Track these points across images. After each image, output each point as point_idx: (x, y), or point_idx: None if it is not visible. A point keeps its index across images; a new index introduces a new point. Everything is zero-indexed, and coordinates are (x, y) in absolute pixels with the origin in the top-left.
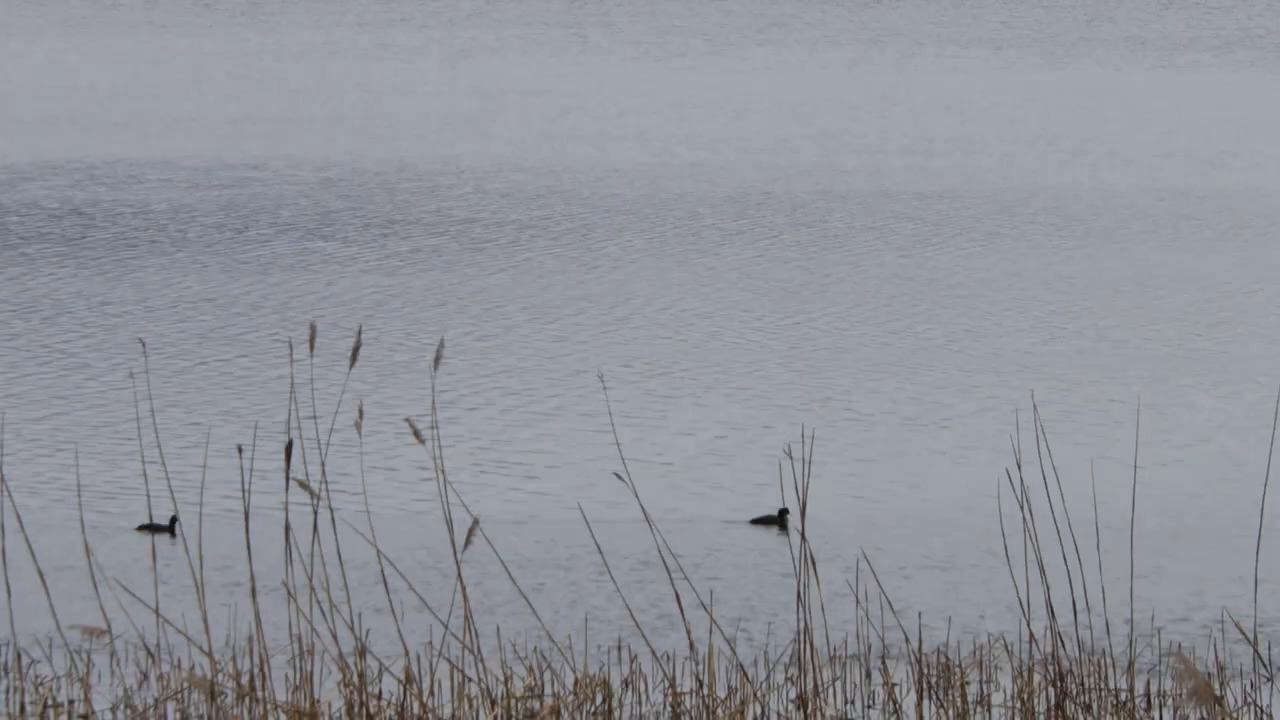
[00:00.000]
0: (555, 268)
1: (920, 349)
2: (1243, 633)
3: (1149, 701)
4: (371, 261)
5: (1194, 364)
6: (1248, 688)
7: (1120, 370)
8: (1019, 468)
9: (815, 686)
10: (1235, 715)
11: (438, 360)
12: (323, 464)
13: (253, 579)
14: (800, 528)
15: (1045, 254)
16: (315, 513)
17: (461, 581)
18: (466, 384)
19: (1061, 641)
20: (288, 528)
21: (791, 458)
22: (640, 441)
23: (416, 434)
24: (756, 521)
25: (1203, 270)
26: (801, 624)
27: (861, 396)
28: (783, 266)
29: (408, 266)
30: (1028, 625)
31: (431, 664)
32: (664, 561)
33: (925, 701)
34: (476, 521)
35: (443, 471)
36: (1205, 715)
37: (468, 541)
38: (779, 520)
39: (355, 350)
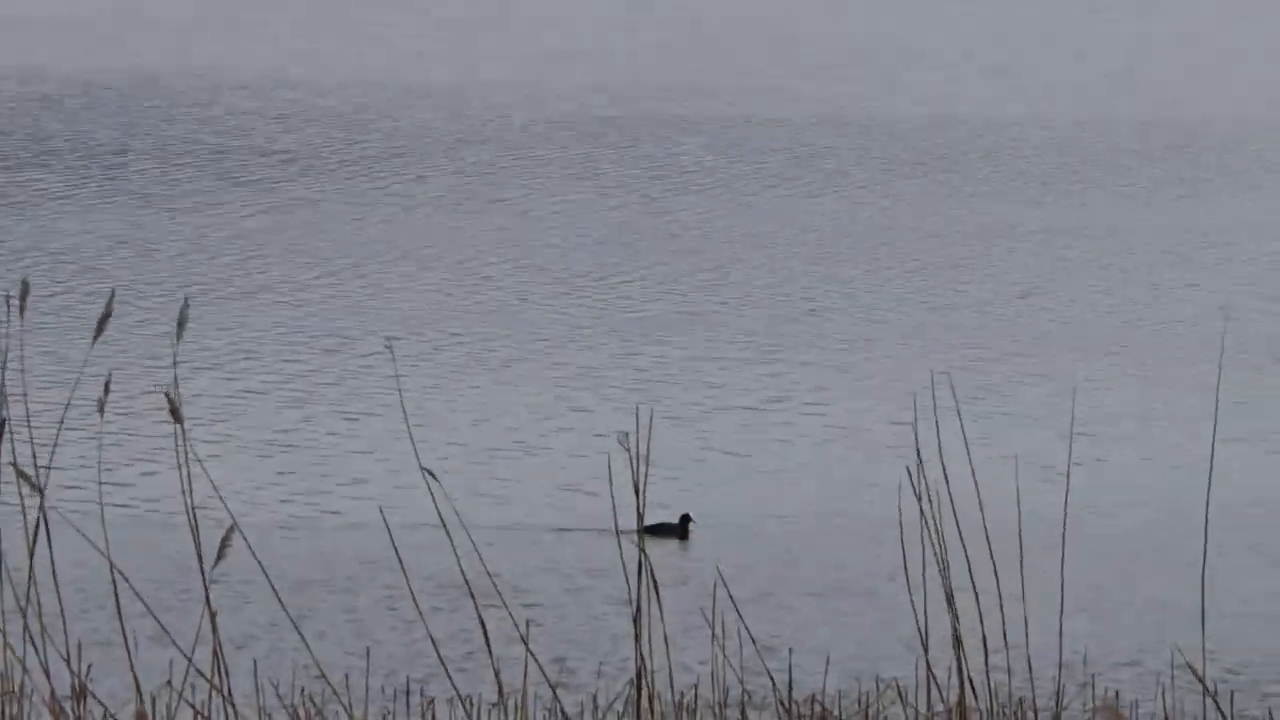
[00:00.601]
0: (330, 209)
1: (788, 317)
2: (1199, 678)
3: None
4: (96, 199)
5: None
6: None
7: (1045, 340)
8: (920, 464)
9: None
10: None
11: (182, 326)
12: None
13: None
14: (637, 540)
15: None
16: (33, 512)
17: (209, 604)
18: (220, 353)
19: (971, 687)
20: None
21: (626, 449)
22: (438, 428)
23: (174, 411)
24: (651, 530)
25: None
26: (639, 663)
27: (720, 373)
28: (624, 209)
29: (141, 204)
30: (927, 666)
31: (170, 709)
32: (467, 583)
33: None
34: (233, 527)
35: (188, 461)
36: None
37: (221, 553)
38: (679, 529)
39: (104, 320)
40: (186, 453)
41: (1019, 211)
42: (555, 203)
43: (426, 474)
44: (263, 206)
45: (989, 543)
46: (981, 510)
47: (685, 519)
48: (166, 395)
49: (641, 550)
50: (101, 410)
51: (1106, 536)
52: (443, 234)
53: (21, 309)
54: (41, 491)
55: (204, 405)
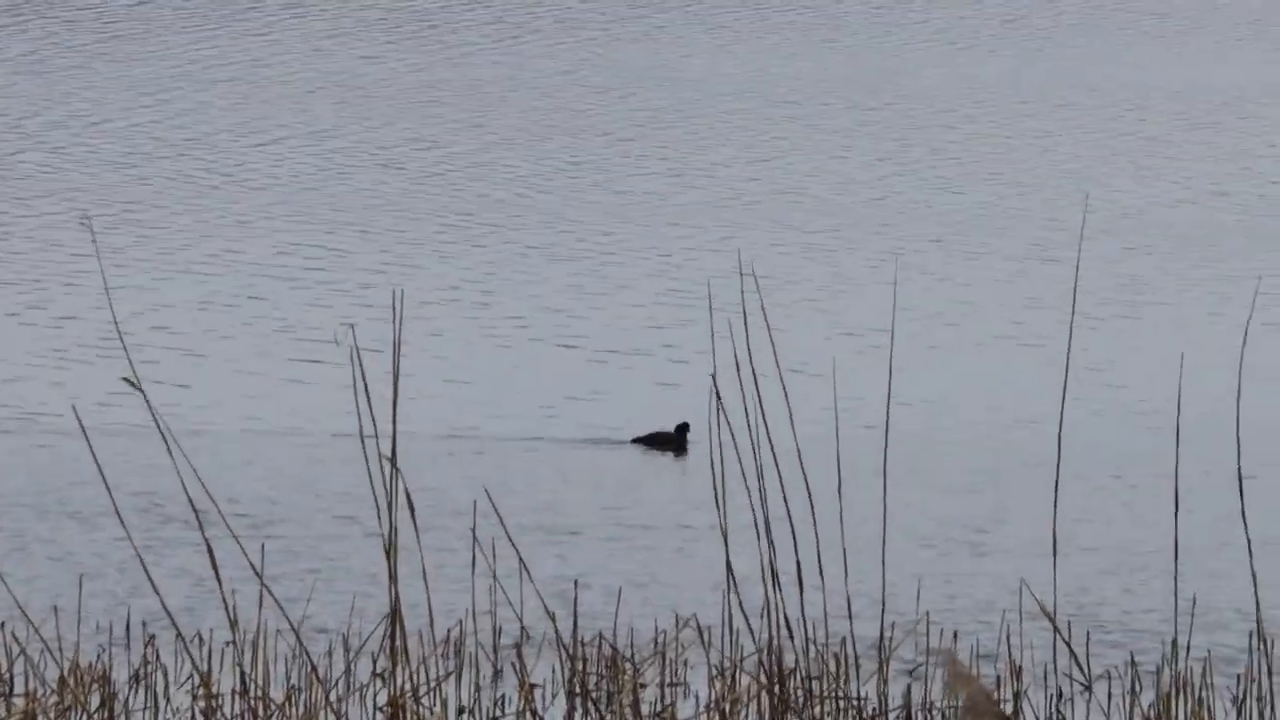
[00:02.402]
0: None
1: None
2: (1049, 616)
3: (909, 716)
4: None
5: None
6: (1053, 699)
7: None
8: (714, 372)
9: (414, 687)
10: None
11: None
12: None
13: None
14: (390, 455)
15: None
16: None
17: None
18: None
19: (788, 627)
20: None
21: (343, 345)
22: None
23: None
24: (643, 441)
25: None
26: (393, 598)
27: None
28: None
29: None
30: (737, 603)
31: None
32: (187, 493)
33: (579, 711)
34: None
35: None
36: None
37: None
38: (675, 440)
39: None
40: None
41: None
42: None
43: (130, 382)
44: None
45: (802, 464)
46: (795, 433)
47: (683, 429)
48: None
49: (395, 468)
50: None
51: (939, 461)
52: None
53: None
54: None
55: None
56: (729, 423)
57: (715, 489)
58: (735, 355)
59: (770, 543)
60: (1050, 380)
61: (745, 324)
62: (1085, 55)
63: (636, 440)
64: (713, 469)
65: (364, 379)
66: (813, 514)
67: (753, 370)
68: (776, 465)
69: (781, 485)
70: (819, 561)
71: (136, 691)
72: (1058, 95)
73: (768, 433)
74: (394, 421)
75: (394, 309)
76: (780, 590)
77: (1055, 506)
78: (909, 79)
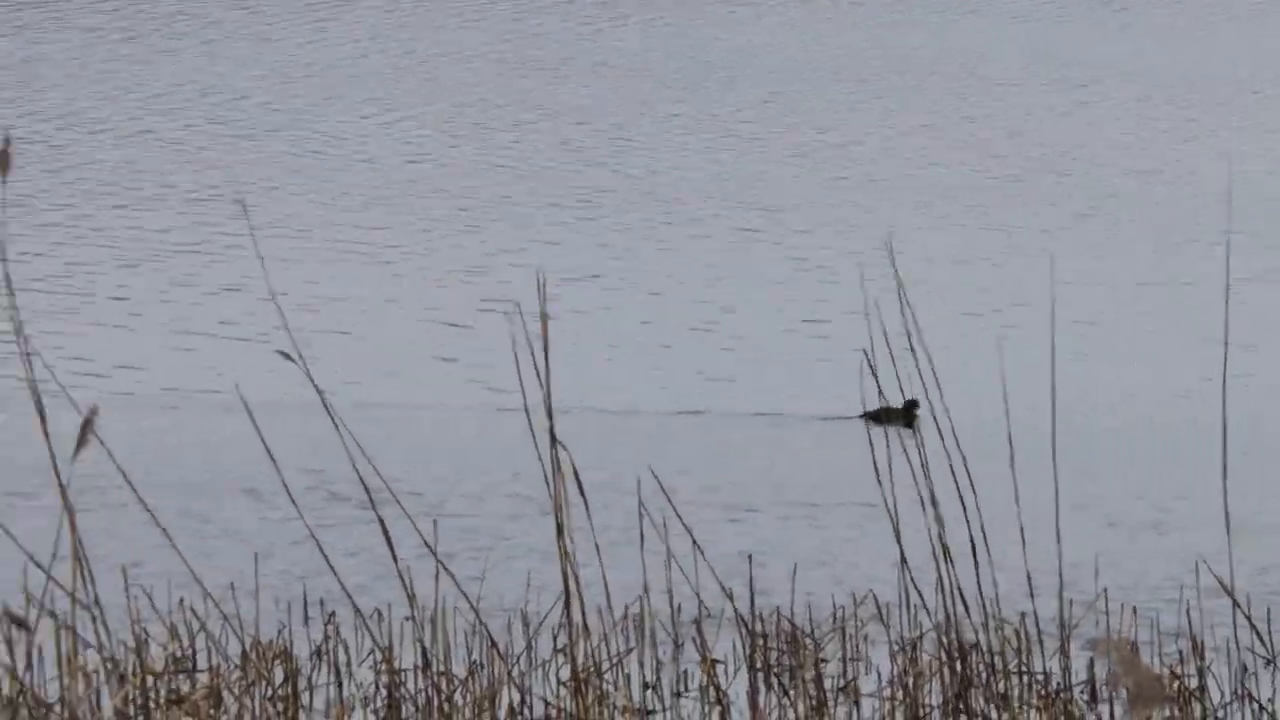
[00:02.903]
0: None
1: None
2: (1226, 590)
3: (1093, 693)
4: None
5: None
6: (1237, 675)
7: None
8: (889, 354)
9: (595, 663)
10: (1216, 716)
11: (5, 163)
12: None
13: None
14: (550, 426)
15: None
16: None
17: (67, 500)
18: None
19: (964, 602)
20: None
21: (512, 317)
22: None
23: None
24: (873, 416)
25: None
26: (568, 573)
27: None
28: None
29: None
30: (910, 580)
31: (28, 621)
32: (360, 477)
33: (762, 686)
34: (94, 412)
35: (20, 332)
36: (1173, 715)
37: (82, 441)
38: (905, 414)
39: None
40: (17, 323)
41: None
42: None
43: (286, 355)
44: None
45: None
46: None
47: (912, 405)
48: None
49: (553, 438)
50: None
51: (1102, 437)
52: None
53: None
54: None
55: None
56: (931, 400)
57: (912, 465)
58: (899, 333)
59: (938, 519)
60: (1214, 356)
61: (901, 301)
62: None
63: (864, 415)
64: (886, 445)
65: (544, 349)
66: (1013, 479)
67: (918, 350)
68: (953, 441)
69: (963, 461)
70: (982, 538)
71: (319, 667)
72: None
73: (937, 410)
74: (548, 396)
75: (538, 283)
76: (953, 566)
77: (1224, 480)
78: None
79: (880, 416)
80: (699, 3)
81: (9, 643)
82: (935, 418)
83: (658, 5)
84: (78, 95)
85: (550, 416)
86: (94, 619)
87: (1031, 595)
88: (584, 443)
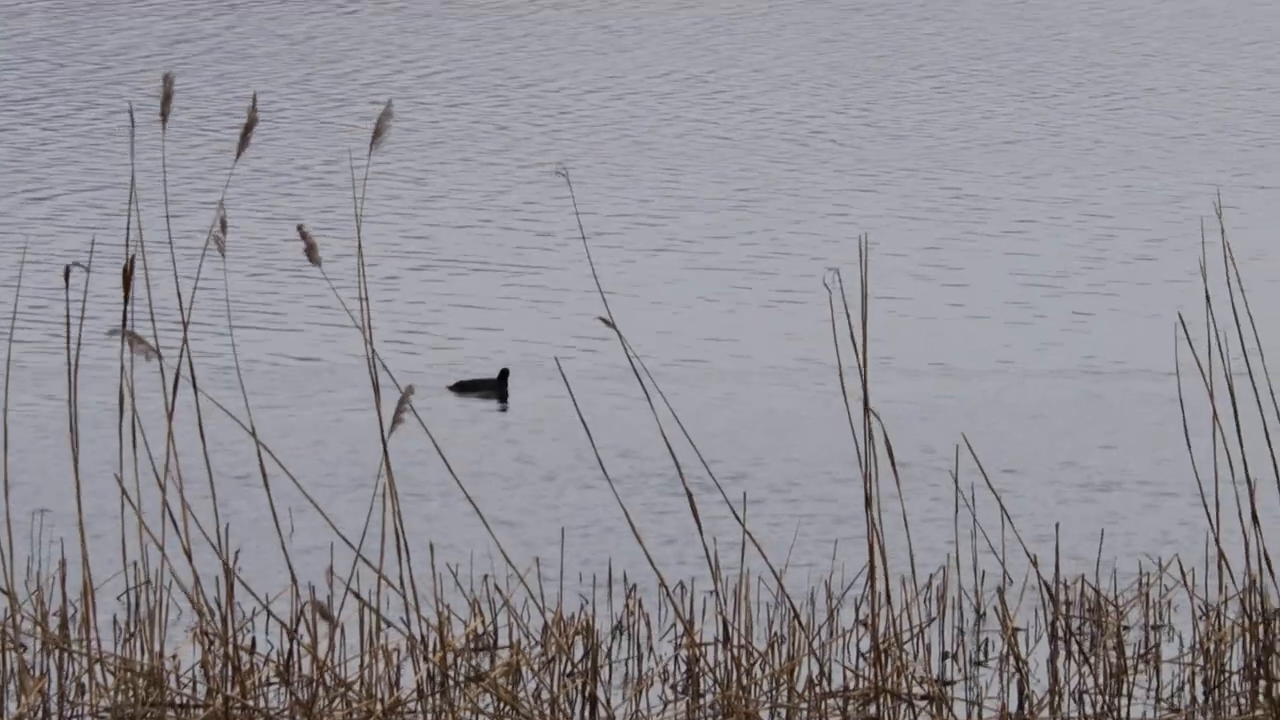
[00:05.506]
0: None
1: None
2: None
3: None
4: None
5: None
6: None
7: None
8: (1208, 305)
9: (896, 634)
10: None
11: (379, 135)
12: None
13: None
14: (862, 392)
15: None
16: (181, 376)
17: (390, 476)
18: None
19: (1269, 567)
20: (122, 395)
21: (833, 287)
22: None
23: (311, 249)
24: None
25: None
26: (872, 543)
27: None
28: None
29: None
30: (1216, 543)
31: (331, 600)
32: (668, 451)
33: (1063, 655)
34: (409, 390)
35: (368, 311)
36: None
37: (397, 419)
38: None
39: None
40: (366, 302)
41: None
42: None
43: (607, 321)
44: None
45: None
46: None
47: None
48: (302, 231)
49: (870, 414)
50: (222, 251)
51: None
52: None
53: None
54: (154, 353)
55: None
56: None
57: (1221, 433)
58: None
59: (1249, 481)
60: None
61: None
62: None
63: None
64: (1183, 408)
65: (862, 323)
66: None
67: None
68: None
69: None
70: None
71: (620, 642)
72: None
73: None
74: (864, 369)
75: (861, 254)
76: (1260, 529)
77: None
78: None
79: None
80: None
81: (312, 626)
82: None
83: None
84: None
85: (864, 386)
86: (407, 598)
87: None
88: (895, 410)
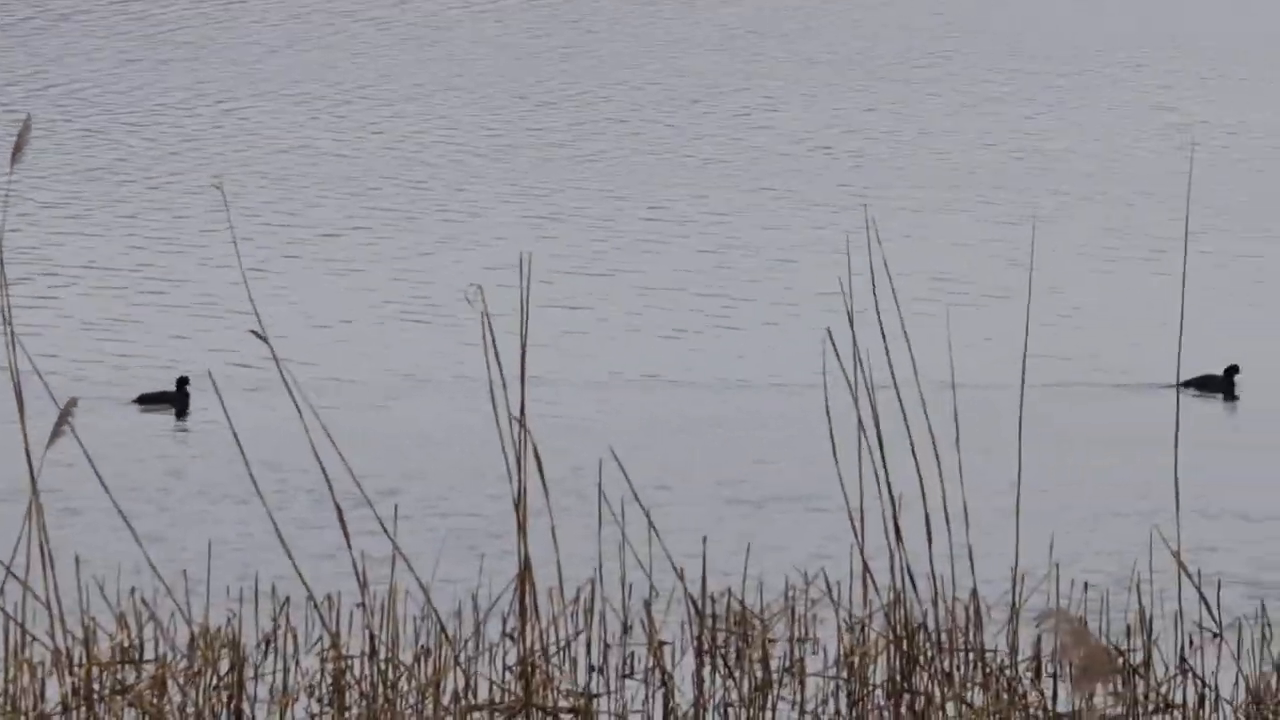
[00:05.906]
0: None
1: None
2: (1177, 559)
3: (1038, 669)
4: None
5: None
6: (1183, 649)
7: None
8: (851, 323)
9: (543, 647)
10: (1159, 690)
11: (19, 150)
12: None
13: None
14: (519, 411)
15: None
16: None
17: (35, 489)
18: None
19: (912, 583)
20: None
21: (475, 304)
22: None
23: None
24: (1192, 384)
25: None
26: (522, 555)
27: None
28: None
29: None
30: (861, 559)
31: None
32: (315, 457)
33: (708, 668)
34: (71, 403)
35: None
36: (1117, 690)
37: (57, 431)
38: (1223, 382)
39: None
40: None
41: None
42: None
43: (258, 334)
44: None
45: (929, 421)
46: (917, 382)
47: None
48: None
49: (524, 427)
50: None
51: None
52: None
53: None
54: None
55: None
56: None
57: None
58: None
59: (892, 498)
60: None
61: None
62: None
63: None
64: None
65: (521, 337)
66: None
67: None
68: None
69: (911, 441)
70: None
71: (266, 655)
72: None
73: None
74: (523, 380)
75: (522, 270)
76: (903, 545)
77: (1175, 466)
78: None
79: (1202, 384)
80: None
81: None
82: None
83: None
84: None
85: (521, 393)
86: (50, 612)
87: (972, 573)
88: (544, 424)
